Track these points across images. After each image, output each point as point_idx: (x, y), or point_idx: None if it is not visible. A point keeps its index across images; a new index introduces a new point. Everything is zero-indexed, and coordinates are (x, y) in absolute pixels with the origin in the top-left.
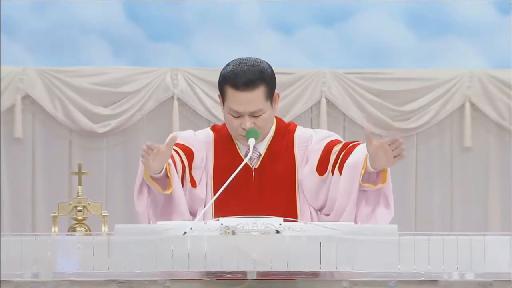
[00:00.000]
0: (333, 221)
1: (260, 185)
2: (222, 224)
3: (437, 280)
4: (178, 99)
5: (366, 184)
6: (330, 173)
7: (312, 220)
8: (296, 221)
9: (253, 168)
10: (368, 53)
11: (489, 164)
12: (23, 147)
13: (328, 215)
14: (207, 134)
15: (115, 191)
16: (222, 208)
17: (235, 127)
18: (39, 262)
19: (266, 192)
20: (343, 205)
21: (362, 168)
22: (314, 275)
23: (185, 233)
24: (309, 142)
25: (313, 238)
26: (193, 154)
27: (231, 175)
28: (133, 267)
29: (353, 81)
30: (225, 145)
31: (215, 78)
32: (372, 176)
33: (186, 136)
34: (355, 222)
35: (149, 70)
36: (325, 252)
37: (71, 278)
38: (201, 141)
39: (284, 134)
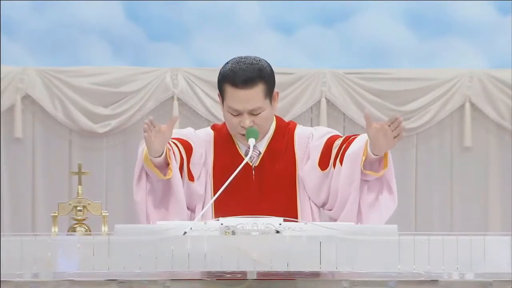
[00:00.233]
0: (336, 215)
1: (260, 184)
2: (222, 224)
3: (437, 280)
4: (178, 99)
5: (368, 172)
6: (332, 167)
7: (313, 217)
8: (296, 221)
9: (253, 166)
10: (368, 53)
11: (489, 164)
12: (23, 147)
13: (330, 209)
14: (207, 133)
15: (115, 191)
16: (222, 207)
17: (234, 125)
18: (39, 262)
19: (266, 191)
20: (345, 195)
21: (363, 155)
22: (314, 275)
23: (185, 233)
24: (309, 140)
25: (313, 238)
26: (192, 149)
27: (231, 173)
28: (133, 267)
29: (353, 81)
30: (225, 144)
31: (215, 78)
32: (375, 165)
33: (185, 133)
34: (359, 212)
35: (149, 70)
36: (325, 252)
37: (71, 278)
38: (201, 138)
39: (284, 132)
